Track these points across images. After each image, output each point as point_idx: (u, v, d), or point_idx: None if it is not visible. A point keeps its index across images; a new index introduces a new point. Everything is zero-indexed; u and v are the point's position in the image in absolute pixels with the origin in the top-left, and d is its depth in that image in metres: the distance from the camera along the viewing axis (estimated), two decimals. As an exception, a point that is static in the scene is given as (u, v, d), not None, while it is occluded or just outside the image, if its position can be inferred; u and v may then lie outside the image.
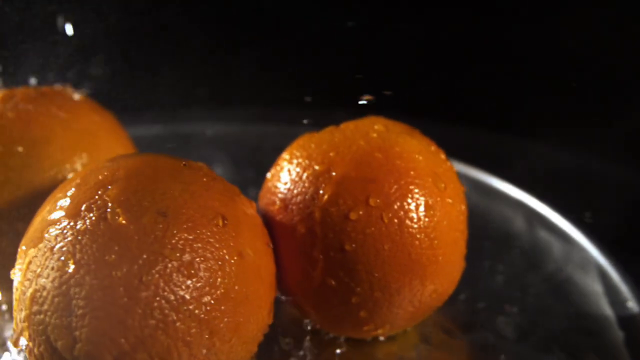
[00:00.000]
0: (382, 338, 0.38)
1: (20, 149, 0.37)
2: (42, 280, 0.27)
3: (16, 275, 0.30)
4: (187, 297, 0.27)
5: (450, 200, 0.35)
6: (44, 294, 0.27)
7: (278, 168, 0.37)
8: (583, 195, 0.50)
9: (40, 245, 0.28)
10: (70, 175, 0.37)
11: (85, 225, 0.28)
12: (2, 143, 0.37)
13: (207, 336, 0.28)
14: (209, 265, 0.28)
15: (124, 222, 0.28)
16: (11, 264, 0.34)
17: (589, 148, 0.53)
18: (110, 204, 0.28)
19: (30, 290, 0.28)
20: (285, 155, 0.37)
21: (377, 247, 0.33)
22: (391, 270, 0.33)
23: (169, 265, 0.27)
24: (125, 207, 0.28)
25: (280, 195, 0.36)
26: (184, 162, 0.32)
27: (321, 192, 0.34)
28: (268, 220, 0.36)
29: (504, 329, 0.39)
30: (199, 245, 0.28)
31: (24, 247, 0.29)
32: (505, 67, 0.59)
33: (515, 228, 0.50)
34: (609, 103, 0.54)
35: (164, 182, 0.30)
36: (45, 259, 0.28)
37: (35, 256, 0.28)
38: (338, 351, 0.38)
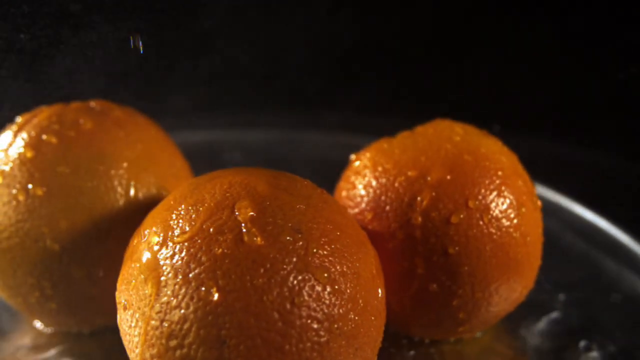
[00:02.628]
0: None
1: (85, 169, 0.34)
2: (180, 312, 0.25)
3: (129, 310, 0.27)
4: (336, 314, 0.26)
5: (533, 197, 0.36)
6: (185, 326, 0.25)
7: (359, 176, 0.36)
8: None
9: (166, 274, 0.26)
10: (134, 193, 0.34)
11: (222, 249, 0.26)
12: (68, 164, 0.34)
13: (352, 353, 0.27)
14: (349, 279, 0.27)
15: (262, 242, 0.26)
16: (86, 288, 0.32)
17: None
18: (243, 224, 0.27)
19: (165, 324, 0.26)
20: (364, 163, 0.37)
21: (480, 248, 0.34)
22: (492, 270, 0.34)
23: (316, 284, 0.26)
24: (259, 227, 0.27)
25: (370, 204, 0.35)
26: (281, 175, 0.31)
27: (419, 198, 0.34)
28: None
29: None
30: (337, 260, 0.27)
31: (142, 277, 0.27)
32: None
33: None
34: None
35: (286, 198, 0.28)
36: (179, 288, 0.26)
37: (164, 286, 0.26)
38: (412, 353, 0.38)
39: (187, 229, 0.27)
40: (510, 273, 0.35)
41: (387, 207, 0.35)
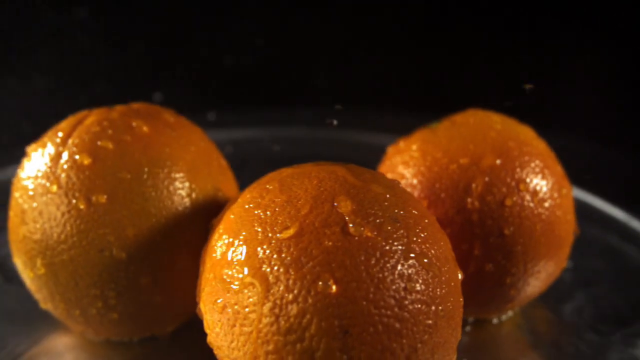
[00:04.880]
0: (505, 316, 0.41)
1: (147, 173, 0.33)
2: (298, 306, 0.26)
3: (227, 310, 0.27)
4: (438, 297, 0.28)
5: (565, 179, 0.39)
6: (305, 320, 0.26)
7: (408, 167, 0.38)
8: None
9: (276, 270, 0.26)
10: (195, 195, 0.34)
11: (332, 242, 0.26)
12: (128, 169, 0.33)
13: (450, 333, 0.28)
14: (442, 263, 0.29)
15: (369, 233, 0.27)
16: (151, 296, 0.32)
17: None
18: (347, 217, 0.27)
19: (282, 320, 0.26)
20: (411, 153, 0.38)
21: (531, 227, 0.36)
22: (541, 247, 0.36)
23: (420, 269, 0.27)
24: (362, 218, 0.27)
25: (424, 192, 0.36)
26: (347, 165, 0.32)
27: (474, 184, 0.36)
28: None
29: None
30: (431, 245, 0.28)
31: (242, 276, 0.27)
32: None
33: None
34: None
35: (376, 189, 0.29)
36: (293, 283, 0.26)
37: (275, 282, 0.26)
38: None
39: (290, 225, 0.27)
40: (556, 249, 0.37)
41: (443, 194, 0.36)
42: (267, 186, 0.30)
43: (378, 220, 0.28)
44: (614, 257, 0.49)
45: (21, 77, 0.68)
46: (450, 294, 0.28)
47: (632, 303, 0.43)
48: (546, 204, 0.36)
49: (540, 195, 0.36)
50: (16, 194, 0.34)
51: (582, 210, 0.44)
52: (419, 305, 0.27)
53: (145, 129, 0.34)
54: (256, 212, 0.29)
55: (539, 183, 0.36)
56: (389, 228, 0.28)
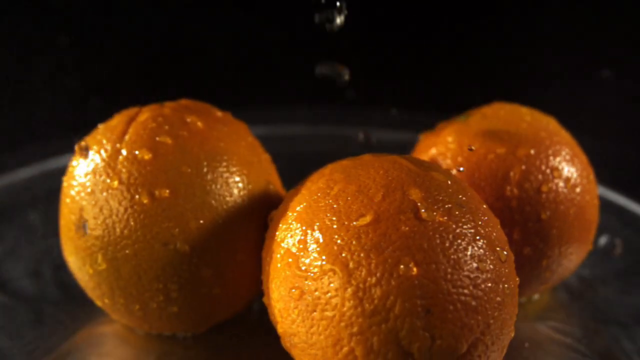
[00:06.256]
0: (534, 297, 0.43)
1: (206, 167, 0.34)
2: (381, 289, 0.27)
3: (306, 297, 0.28)
4: (504, 275, 0.29)
5: (589, 166, 0.42)
6: (389, 301, 0.27)
7: (446, 158, 0.39)
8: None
9: (356, 256, 0.28)
10: (251, 188, 0.35)
11: (408, 227, 0.28)
12: (188, 164, 0.33)
13: (512, 311, 0.30)
14: (503, 244, 0.30)
15: (441, 218, 0.28)
16: (211, 288, 0.33)
17: None
18: (419, 203, 0.29)
19: (366, 303, 0.27)
20: (447, 145, 0.40)
21: (565, 212, 0.38)
22: (574, 230, 0.39)
23: (487, 250, 0.29)
24: (433, 204, 0.29)
25: (463, 181, 0.38)
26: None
27: (511, 172, 0.38)
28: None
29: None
30: (492, 228, 0.30)
31: (323, 259, 0.28)
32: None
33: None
34: None
35: (438, 177, 0.31)
36: (375, 267, 0.27)
37: (356, 268, 0.27)
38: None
39: (365, 212, 0.29)
40: (586, 232, 0.40)
41: (482, 183, 0.38)
42: (333, 177, 0.31)
43: (447, 206, 0.29)
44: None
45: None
46: (511, 273, 0.30)
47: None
48: (577, 189, 0.39)
49: (572, 181, 0.39)
50: (71, 192, 0.34)
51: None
52: (490, 284, 0.28)
53: (199, 124, 0.35)
54: (327, 202, 0.30)
55: (570, 170, 0.39)
56: (457, 213, 0.29)
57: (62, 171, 0.37)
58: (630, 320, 0.42)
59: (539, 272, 0.39)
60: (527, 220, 0.38)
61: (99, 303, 0.35)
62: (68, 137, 0.61)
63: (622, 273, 0.47)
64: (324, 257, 0.28)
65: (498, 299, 0.29)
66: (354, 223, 0.29)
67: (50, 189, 0.55)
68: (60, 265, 0.41)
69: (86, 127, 0.38)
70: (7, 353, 0.37)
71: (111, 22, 0.65)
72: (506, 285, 0.29)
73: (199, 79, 0.67)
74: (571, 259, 0.40)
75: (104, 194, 0.33)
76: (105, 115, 0.40)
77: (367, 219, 0.29)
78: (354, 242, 0.28)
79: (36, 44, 0.62)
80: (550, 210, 0.38)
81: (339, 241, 0.28)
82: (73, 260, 0.35)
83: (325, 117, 0.73)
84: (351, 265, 0.28)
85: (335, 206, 0.30)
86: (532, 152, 0.38)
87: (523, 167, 0.38)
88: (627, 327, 0.41)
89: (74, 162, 0.35)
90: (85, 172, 0.34)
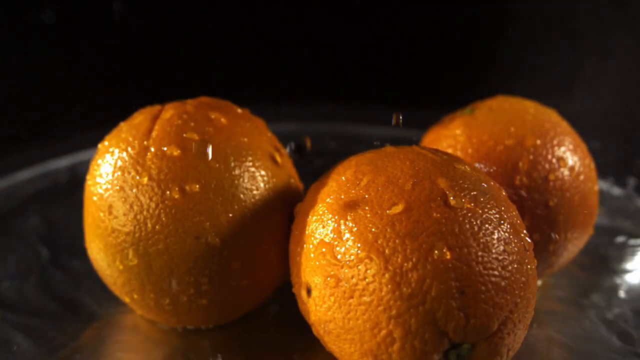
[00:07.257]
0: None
1: (234, 162, 0.34)
2: (417, 273, 0.28)
3: (343, 284, 0.29)
4: (527, 257, 0.31)
5: (589, 154, 0.44)
6: (425, 285, 0.28)
7: (456, 150, 0.41)
8: None
9: (391, 243, 0.29)
10: (275, 181, 0.36)
11: (439, 214, 0.29)
12: (216, 159, 0.34)
13: (534, 291, 0.32)
14: (523, 228, 0.32)
15: (469, 205, 0.30)
16: (240, 280, 0.34)
17: None
18: (447, 192, 0.30)
19: (404, 287, 0.28)
20: (457, 138, 0.41)
21: (571, 198, 0.40)
22: (578, 216, 0.41)
23: (511, 233, 0.31)
24: (460, 192, 0.30)
25: (475, 171, 0.40)
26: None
27: (520, 162, 0.40)
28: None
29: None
30: (512, 214, 0.32)
31: (359, 247, 0.29)
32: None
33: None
34: None
35: (459, 166, 0.32)
36: (411, 252, 0.29)
37: (392, 254, 0.29)
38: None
39: (397, 201, 0.30)
40: (589, 218, 0.42)
41: (493, 173, 0.40)
42: (361, 168, 0.32)
43: (472, 193, 0.31)
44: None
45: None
46: (532, 255, 0.32)
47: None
48: (581, 177, 0.41)
49: (576, 169, 0.41)
50: (98, 190, 0.34)
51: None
52: (516, 265, 0.30)
53: (223, 120, 0.36)
54: (358, 192, 0.31)
55: (574, 159, 0.41)
56: (482, 199, 0.31)
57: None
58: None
59: (546, 256, 0.41)
60: (535, 208, 0.39)
61: (126, 299, 0.36)
62: (66, 138, 0.61)
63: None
64: (359, 245, 0.30)
65: (523, 279, 0.30)
66: (387, 212, 0.30)
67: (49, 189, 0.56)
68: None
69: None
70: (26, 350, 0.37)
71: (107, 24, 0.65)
72: (529, 266, 0.31)
73: (195, 79, 0.68)
74: (575, 244, 0.42)
75: (134, 190, 0.33)
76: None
77: (400, 207, 0.30)
78: (388, 230, 0.29)
79: (36, 44, 0.61)
80: (557, 197, 0.40)
81: (373, 229, 0.30)
82: (101, 257, 0.35)
83: (320, 116, 0.74)
84: (387, 252, 0.29)
85: (366, 196, 0.31)
86: (539, 142, 0.40)
87: (531, 157, 0.40)
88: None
89: (98, 161, 0.35)
90: (112, 169, 0.34)
